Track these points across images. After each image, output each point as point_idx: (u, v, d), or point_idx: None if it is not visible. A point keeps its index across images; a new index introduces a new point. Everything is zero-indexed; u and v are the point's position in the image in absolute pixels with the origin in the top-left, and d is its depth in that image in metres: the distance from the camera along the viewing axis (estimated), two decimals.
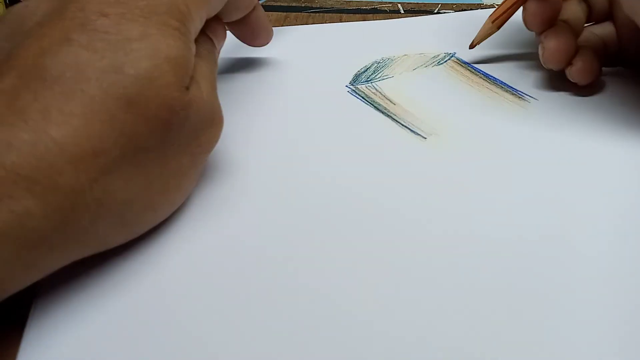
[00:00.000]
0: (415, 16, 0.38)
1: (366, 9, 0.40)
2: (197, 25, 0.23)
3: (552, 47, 0.28)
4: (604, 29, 0.31)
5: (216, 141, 0.23)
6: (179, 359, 0.18)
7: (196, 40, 0.22)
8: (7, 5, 0.34)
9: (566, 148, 0.26)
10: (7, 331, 0.19)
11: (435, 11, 0.39)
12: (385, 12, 0.40)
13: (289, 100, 0.27)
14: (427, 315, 0.19)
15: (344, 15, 0.39)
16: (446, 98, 0.30)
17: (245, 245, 0.21)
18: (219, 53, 0.26)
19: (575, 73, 0.28)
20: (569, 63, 0.28)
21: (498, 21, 0.31)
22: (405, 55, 0.33)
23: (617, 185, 0.24)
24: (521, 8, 0.29)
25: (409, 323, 0.19)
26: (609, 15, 0.31)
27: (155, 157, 0.20)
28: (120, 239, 0.20)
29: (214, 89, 0.23)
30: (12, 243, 0.16)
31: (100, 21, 0.19)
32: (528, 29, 0.29)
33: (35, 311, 0.19)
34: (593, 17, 0.31)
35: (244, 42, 0.31)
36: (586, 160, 0.25)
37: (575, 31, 0.29)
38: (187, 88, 0.21)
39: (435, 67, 0.32)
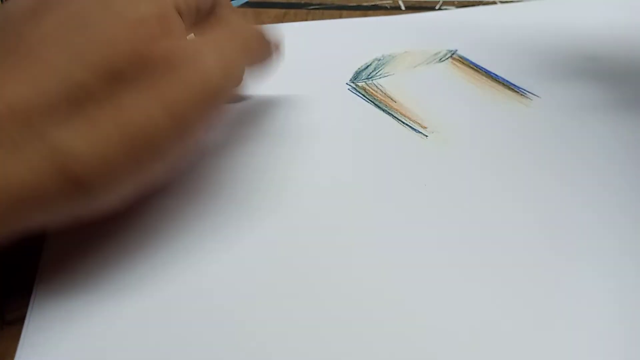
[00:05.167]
0: (417, 12, 0.38)
1: (367, 6, 0.40)
2: None
3: None
4: None
5: (194, 89, 0.19)
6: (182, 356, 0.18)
7: None
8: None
9: (568, 147, 0.26)
10: (6, 329, 0.18)
11: (437, 8, 0.39)
12: (385, 8, 0.39)
13: (288, 98, 0.26)
14: (430, 312, 0.19)
15: (344, 12, 0.39)
16: (448, 96, 0.29)
17: (242, 242, 0.21)
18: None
19: None
20: None
21: None
22: (406, 52, 0.33)
23: (614, 185, 0.24)
24: None
25: (420, 319, 0.19)
26: None
27: (110, 109, 0.18)
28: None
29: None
30: None
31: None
32: None
33: (33, 310, 0.19)
34: None
35: None
36: (587, 160, 0.25)
37: None
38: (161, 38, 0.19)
39: (436, 64, 0.32)
